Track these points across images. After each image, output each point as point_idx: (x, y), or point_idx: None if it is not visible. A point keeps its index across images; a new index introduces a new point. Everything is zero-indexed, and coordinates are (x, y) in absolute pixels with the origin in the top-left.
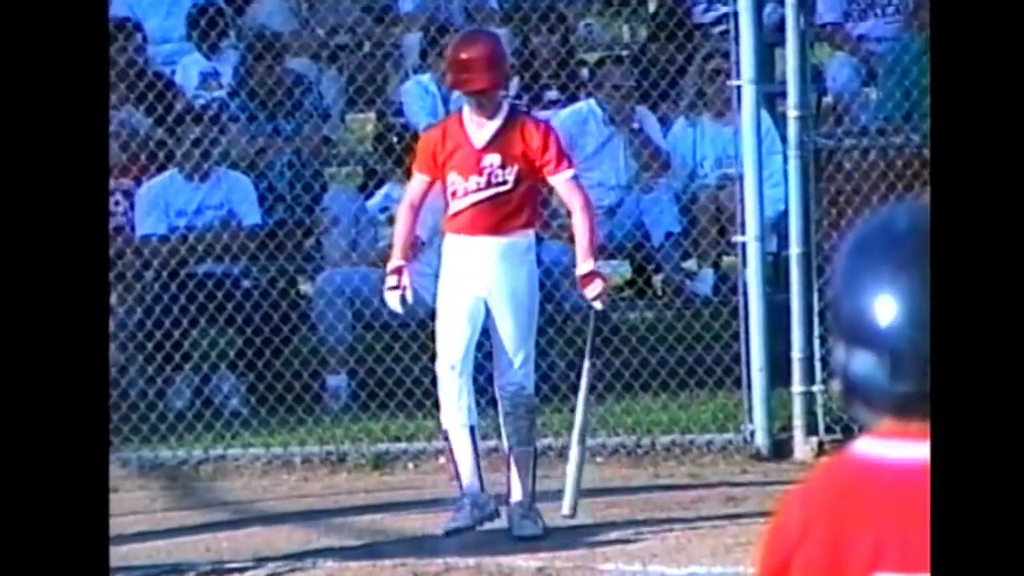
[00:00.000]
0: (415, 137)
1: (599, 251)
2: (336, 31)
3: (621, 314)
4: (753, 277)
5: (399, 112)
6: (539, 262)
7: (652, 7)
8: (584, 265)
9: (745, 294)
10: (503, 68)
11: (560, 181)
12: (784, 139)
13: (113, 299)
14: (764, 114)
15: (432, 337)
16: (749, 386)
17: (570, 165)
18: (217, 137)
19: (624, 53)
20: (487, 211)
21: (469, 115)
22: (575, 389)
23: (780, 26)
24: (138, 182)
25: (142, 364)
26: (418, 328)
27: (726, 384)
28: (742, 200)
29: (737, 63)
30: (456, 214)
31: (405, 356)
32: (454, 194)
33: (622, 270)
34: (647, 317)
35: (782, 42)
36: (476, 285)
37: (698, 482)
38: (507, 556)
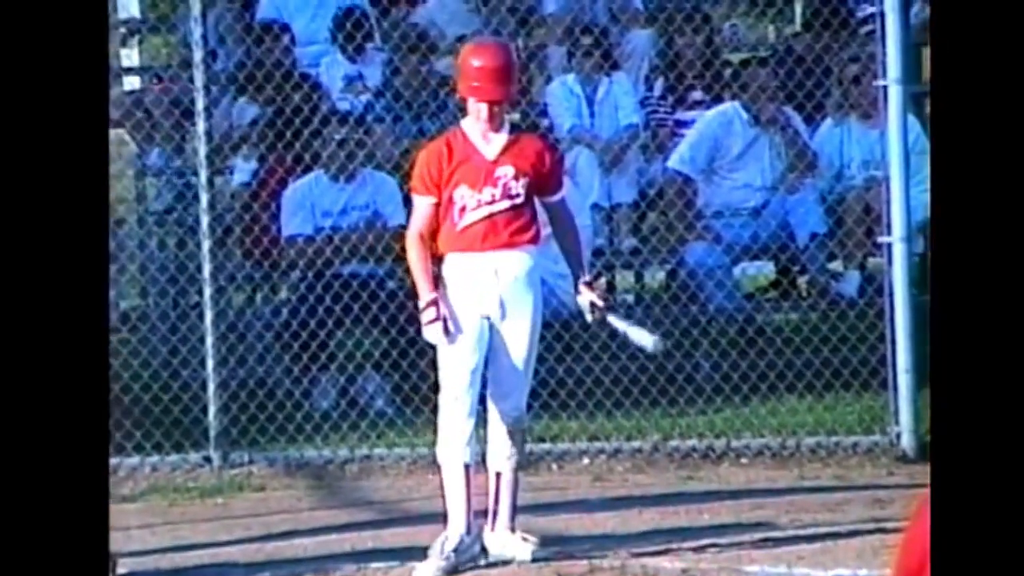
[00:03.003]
0: (557, 140)
1: (743, 252)
2: (481, 32)
3: (766, 315)
4: (899, 278)
5: (543, 113)
6: (683, 263)
7: (799, 7)
8: (584, 277)
9: (891, 295)
10: (515, 79)
11: (554, 200)
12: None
13: (259, 300)
14: (911, 116)
15: (575, 338)
16: (895, 388)
17: (562, 186)
18: (363, 138)
19: (769, 54)
20: (502, 224)
21: (473, 128)
22: (719, 390)
23: (928, 25)
24: (283, 184)
25: (288, 364)
26: (562, 329)
27: (872, 386)
28: (888, 201)
29: (884, 63)
30: (465, 229)
31: (550, 357)
32: (463, 209)
33: (766, 271)
34: (792, 318)
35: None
36: (484, 305)
37: (844, 484)
38: (652, 558)
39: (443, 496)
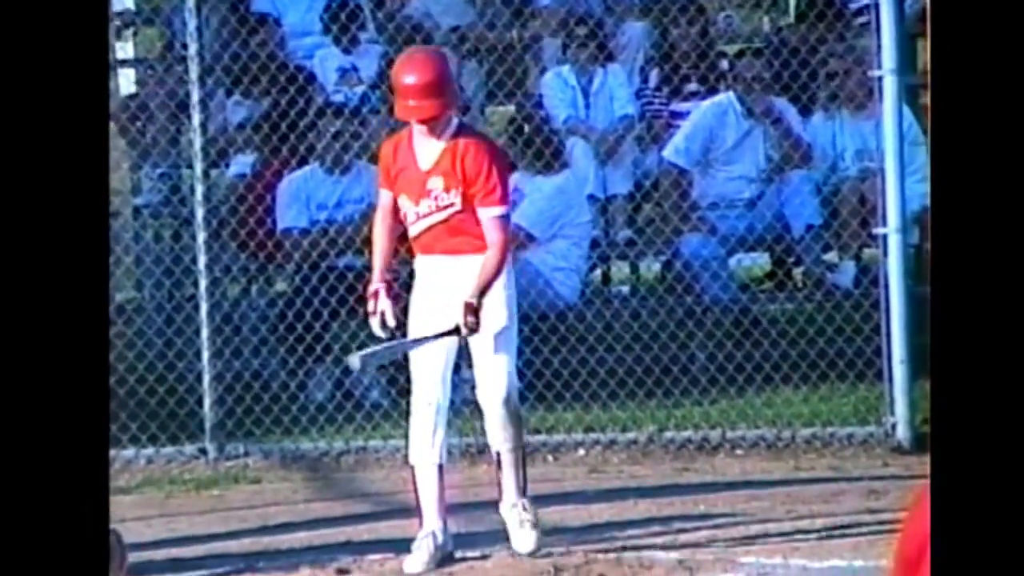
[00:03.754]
0: (551, 129)
1: (739, 243)
2: (475, 24)
3: (761, 306)
4: (894, 269)
5: (539, 104)
6: (678, 255)
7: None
8: (471, 297)
9: (886, 286)
10: (450, 91)
11: (486, 216)
12: (926, 131)
13: (254, 292)
14: (905, 107)
15: (571, 330)
16: (891, 379)
17: (502, 202)
18: (358, 130)
19: (764, 45)
20: (444, 234)
21: (419, 133)
22: (714, 381)
23: (922, 16)
24: (278, 176)
25: (283, 356)
26: (557, 320)
27: (867, 377)
28: (883, 192)
29: (879, 54)
30: (416, 238)
31: (545, 349)
32: (405, 217)
33: (762, 262)
34: (787, 309)
35: (924, 32)
36: (449, 308)
37: (839, 475)
38: (647, 549)
39: (415, 495)
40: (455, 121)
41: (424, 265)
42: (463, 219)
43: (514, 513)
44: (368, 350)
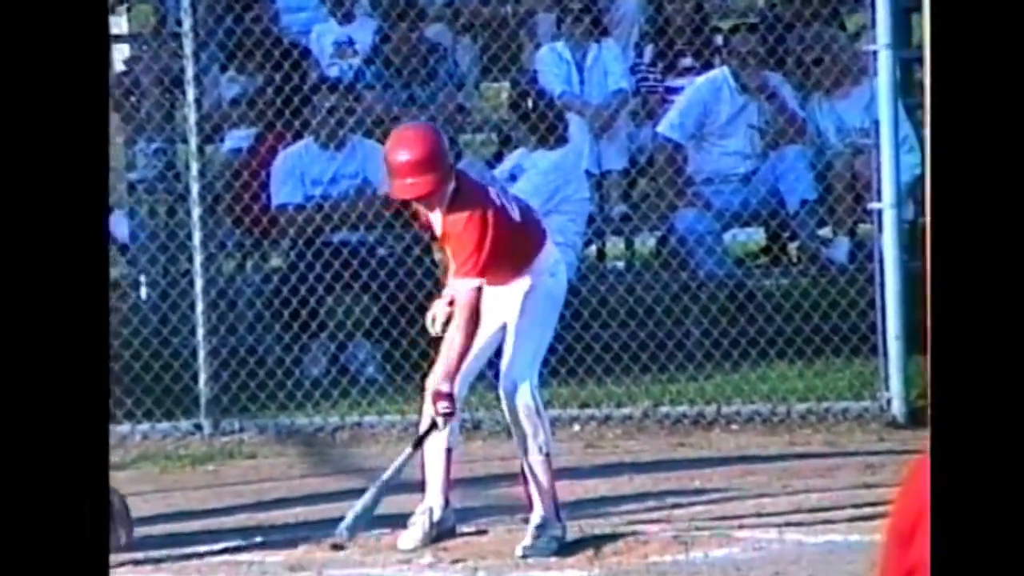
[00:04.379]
0: (549, 105)
1: (733, 218)
2: None
3: (756, 281)
4: (889, 244)
5: (533, 80)
6: (673, 230)
7: None
8: (442, 384)
9: (881, 261)
10: (444, 165)
11: (456, 285)
12: (921, 106)
13: (249, 267)
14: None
15: (566, 305)
16: (885, 354)
17: (471, 275)
18: (352, 106)
19: (759, 20)
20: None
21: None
22: (709, 357)
23: None
24: (273, 152)
25: (279, 332)
26: None
27: (862, 352)
28: (878, 167)
29: (873, 28)
30: None
31: None
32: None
33: (756, 237)
34: (782, 284)
35: (919, 7)
36: (500, 312)
37: (834, 450)
38: (643, 524)
39: (423, 469)
40: (448, 191)
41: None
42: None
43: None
44: (348, 517)
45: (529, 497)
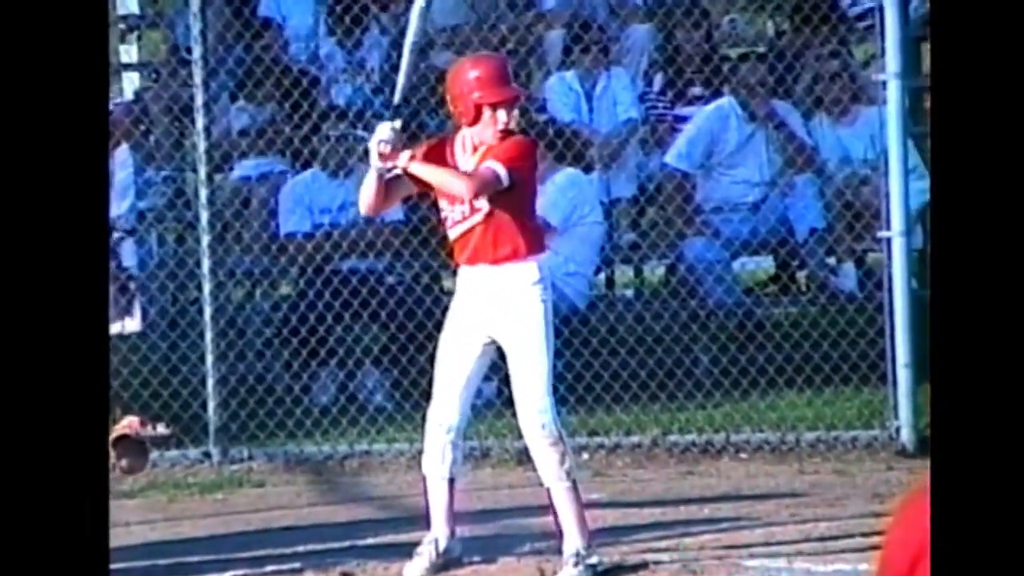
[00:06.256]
0: (558, 133)
1: (742, 247)
2: (480, 27)
3: (765, 310)
4: (898, 272)
5: (542, 108)
6: (682, 258)
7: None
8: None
9: (890, 290)
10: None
11: (488, 162)
12: (927, 134)
13: (258, 295)
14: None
15: (574, 333)
16: (895, 382)
17: (507, 165)
18: (361, 134)
19: (767, 49)
20: (478, 240)
21: (462, 139)
22: (718, 385)
23: (926, 20)
24: (282, 179)
25: (288, 360)
26: (561, 324)
27: (871, 380)
28: (887, 195)
29: (883, 57)
30: (454, 242)
31: None
32: (445, 221)
33: (765, 265)
34: (791, 313)
35: (928, 36)
36: (483, 323)
37: (843, 479)
38: (652, 553)
39: (427, 502)
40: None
41: (464, 275)
42: (498, 225)
43: (568, 568)
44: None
45: (559, 527)
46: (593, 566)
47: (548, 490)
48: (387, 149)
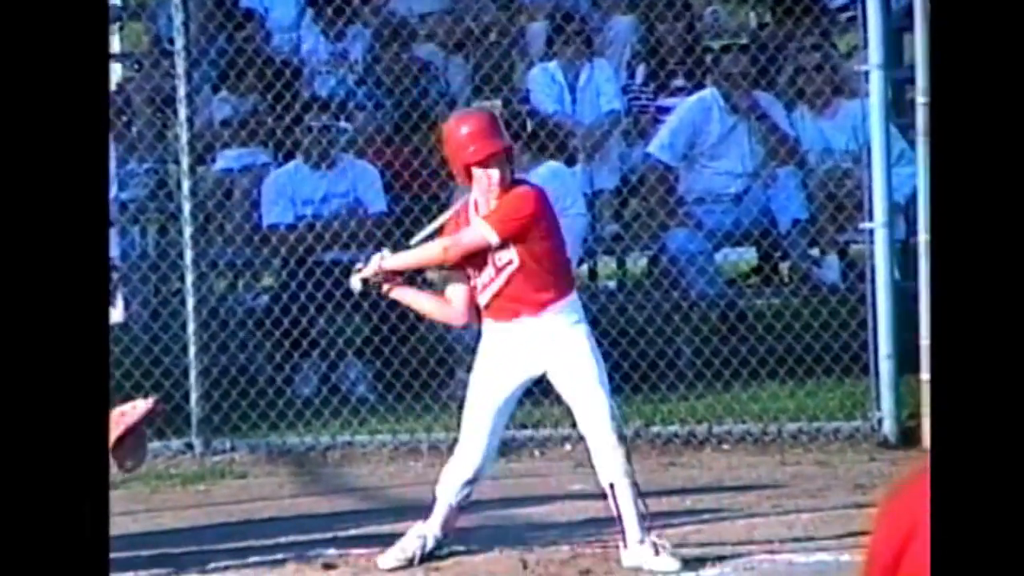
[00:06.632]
0: (541, 124)
1: (725, 238)
2: (462, 18)
3: (747, 301)
4: (881, 264)
5: (525, 99)
6: (664, 249)
7: None
8: (392, 260)
9: (873, 281)
10: (507, 136)
11: (476, 222)
12: (912, 126)
13: (241, 286)
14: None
15: None
16: (877, 373)
17: (498, 230)
18: (343, 126)
19: (750, 40)
20: (510, 298)
21: (474, 201)
22: (700, 376)
23: (908, 11)
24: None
25: (270, 351)
26: None
27: (853, 371)
28: (870, 187)
29: (865, 49)
30: (487, 306)
31: None
32: (474, 288)
33: (748, 257)
34: (773, 304)
35: (910, 27)
36: (527, 368)
37: (825, 470)
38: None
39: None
40: (511, 171)
41: (501, 330)
42: (524, 278)
43: (646, 548)
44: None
45: (620, 518)
46: (665, 547)
47: (611, 485)
48: (363, 269)
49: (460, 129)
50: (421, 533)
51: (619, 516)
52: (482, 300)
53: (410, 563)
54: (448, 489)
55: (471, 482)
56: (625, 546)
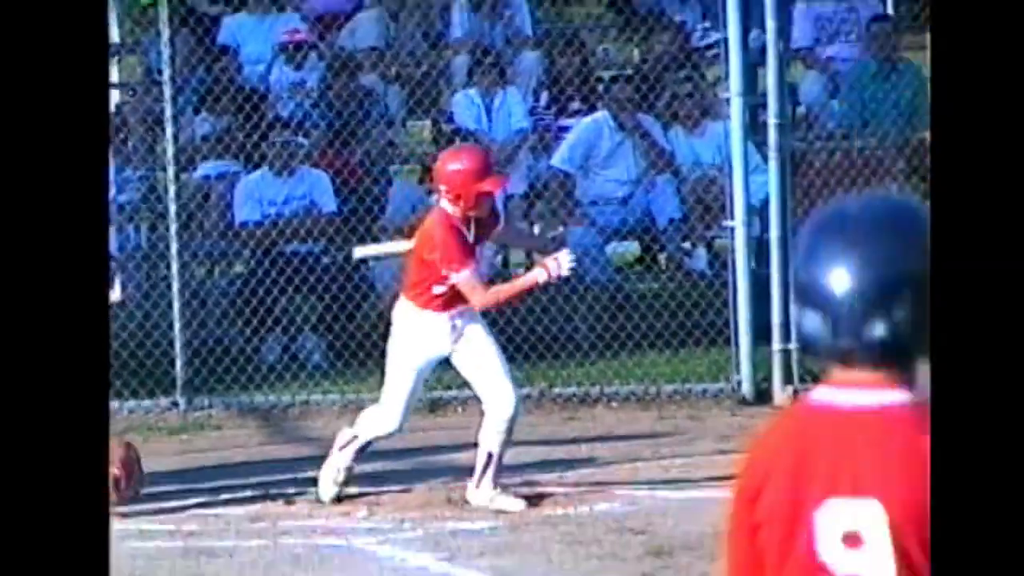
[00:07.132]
0: (464, 139)
1: (614, 234)
2: (399, 53)
3: (632, 285)
4: (740, 255)
5: (450, 119)
6: (565, 243)
7: (657, 35)
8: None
9: (734, 269)
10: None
11: (453, 279)
12: (765, 143)
13: (217, 273)
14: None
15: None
16: (737, 344)
17: (457, 266)
18: (301, 141)
19: (634, 72)
20: (454, 297)
21: (465, 219)
22: (593, 347)
23: (762, 50)
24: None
25: (241, 326)
26: None
27: (718, 343)
28: (731, 192)
29: (727, 80)
30: (439, 296)
31: None
32: (444, 279)
33: (632, 249)
34: (653, 287)
35: (764, 63)
36: (440, 347)
37: (695, 423)
38: (541, 486)
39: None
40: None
41: (425, 316)
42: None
43: (498, 494)
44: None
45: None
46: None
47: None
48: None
49: (472, 159)
50: (342, 467)
51: (484, 469)
52: (437, 291)
53: (341, 487)
54: (368, 433)
55: (388, 437)
56: (477, 487)
